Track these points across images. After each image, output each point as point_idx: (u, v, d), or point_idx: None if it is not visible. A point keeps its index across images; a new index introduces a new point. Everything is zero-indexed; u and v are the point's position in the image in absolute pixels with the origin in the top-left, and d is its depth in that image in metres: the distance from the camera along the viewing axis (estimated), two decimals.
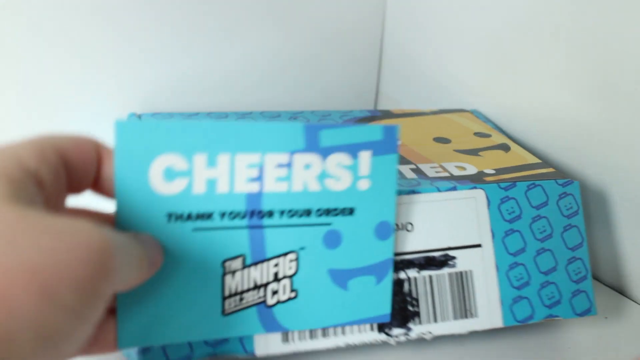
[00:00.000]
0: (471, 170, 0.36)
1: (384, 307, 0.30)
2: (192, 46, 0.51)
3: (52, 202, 0.22)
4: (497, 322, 0.32)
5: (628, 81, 0.37)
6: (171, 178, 0.25)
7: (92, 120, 0.49)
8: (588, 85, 0.39)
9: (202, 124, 0.26)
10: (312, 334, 0.30)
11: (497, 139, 0.42)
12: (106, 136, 0.48)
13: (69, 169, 0.23)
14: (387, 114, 0.46)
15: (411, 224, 0.32)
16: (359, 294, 0.29)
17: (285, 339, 0.29)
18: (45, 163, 0.22)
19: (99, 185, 0.25)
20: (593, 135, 0.40)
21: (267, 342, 0.29)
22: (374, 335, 0.30)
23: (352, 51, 0.59)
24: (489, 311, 0.32)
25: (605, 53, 0.38)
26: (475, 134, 0.43)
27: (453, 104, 0.53)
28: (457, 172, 0.36)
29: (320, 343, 0.30)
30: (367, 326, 0.30)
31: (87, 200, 0.26)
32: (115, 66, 0.49)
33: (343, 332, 0.30)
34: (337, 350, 0.32)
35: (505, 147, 0.40)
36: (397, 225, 0.31)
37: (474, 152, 0.39)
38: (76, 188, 0.24)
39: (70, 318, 0.18)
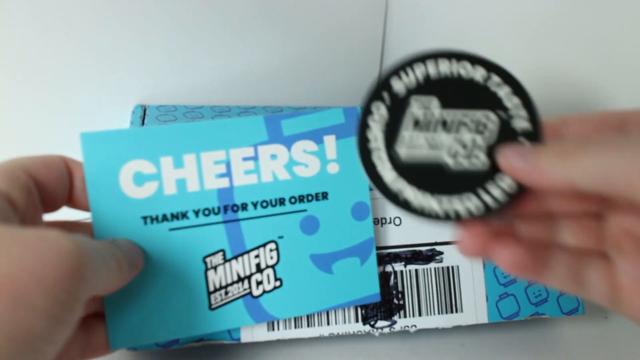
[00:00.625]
0: None
1: (372, 287, 0.30)
2: (198, 42, 0.52)
3: (28, 220, 0.23)
4: (482, 318, 0.32)
5: (630, 82, 0.36)
6: (141, 182, 0.27)
7: (99, 112, 0.50)
8: (591, 86, 0.39)
9: (164, 127, 0.27)
10: (297, 323, 0.30)
11: None
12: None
13: (40, 187, 0.24)
14: None
15: (399, 218, 0.32)
16: (345, 276, 0.30)
17: (271, 327, 0.30)
18: (16, 185, 0.23)
19: (74, 199, 0.26)
20: None
21: (252, 330, 0.30)
22: (358, 327, 0.31)
23: (354, 50, 0.59)
24: (474, 307, 0.32)
25: (608, 54, 0.37)
26: None
27: None
28: None
29: (305, 332, 0.30)
30: (352, 317, 0.31)
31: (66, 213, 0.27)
32: (124, 60, 0.50)
33: (328, 322, 0.31)
34: (323, 339, 0.32)
35: None
36: (384, 219, 0.32)
37: None
38: (51, 205, 0.25)
39: (45, 321, 0.19)
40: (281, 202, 0.28)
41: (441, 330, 0.33)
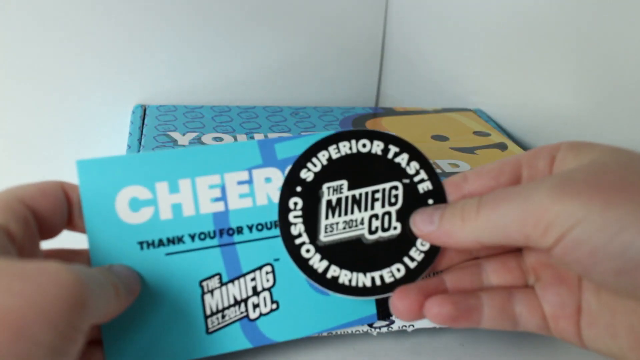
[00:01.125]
0: (464, 167, 0.36)
1: (368, 308, 0.30)
2: (198, 42, 0.52)
3: (26, 250, 0.23)
4: None
5: (629, 81, 0.35)
6: (137, 208, 0.27)
7: (99, 112, 0.50)
8: (590, 86, 0.38)
9: (159, 154, 0.27)
10: None
11: (496, 138, 0.41)
12: (112, 129, 0.50)
13: (38, 217, 0.24)
14: (389, 111, 0.46)
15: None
16: (341, 297, 0.30)
17: None
18: (13, 217, 0.23)
19: (73, 223, 0.26)
20: (594, 135, 0.39)
21: None
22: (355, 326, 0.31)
23: (354, 50, 0.58)
24: None
25: (607, 54, 0.37)
26: (475, 132, 0.42)
27: (456, 103, 0.52)
28: (449, 169, 0.35)
29: None
30: None
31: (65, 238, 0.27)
32: (124, 60, 0.50)
33: None
34: (321, 338, 0.32)
35: (502, 146, 0.40)
36: None
37: (470, 150, 0.39)
38: (50, 233, 0.25)
39: (49, 354, 0.19)
40: (276, 224, 0.28)
41: (440, 330, 0.33)
